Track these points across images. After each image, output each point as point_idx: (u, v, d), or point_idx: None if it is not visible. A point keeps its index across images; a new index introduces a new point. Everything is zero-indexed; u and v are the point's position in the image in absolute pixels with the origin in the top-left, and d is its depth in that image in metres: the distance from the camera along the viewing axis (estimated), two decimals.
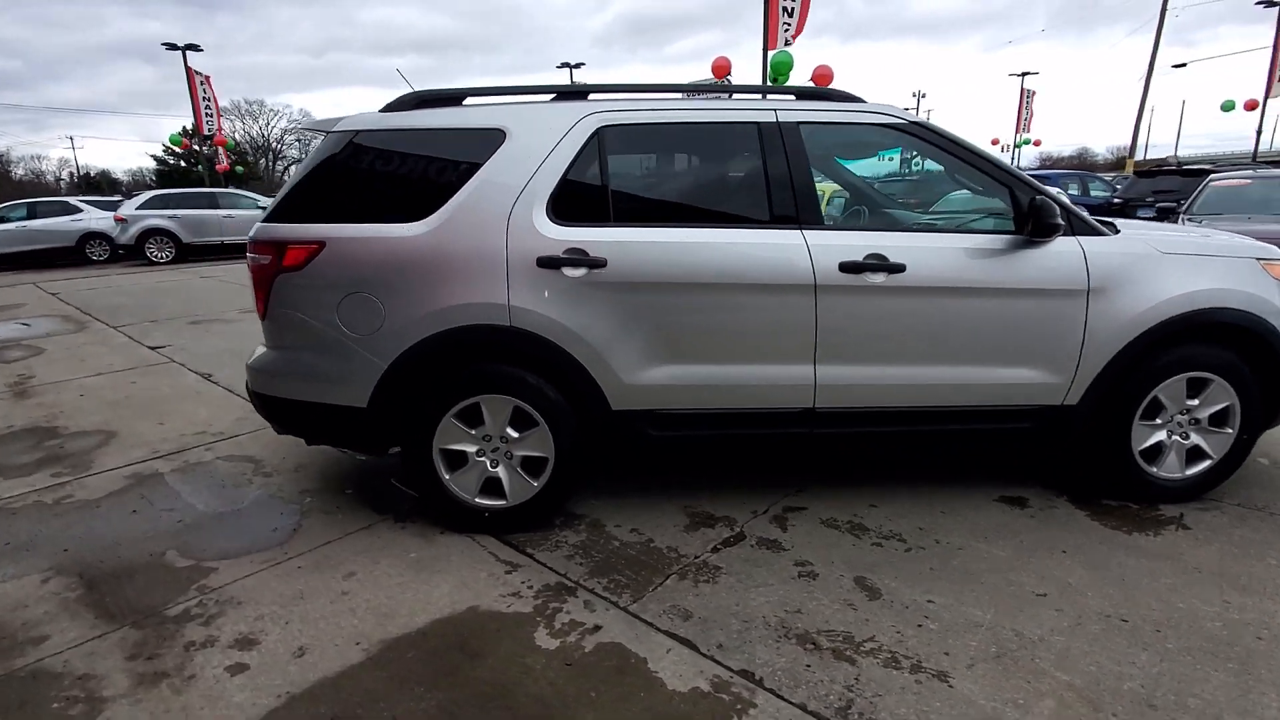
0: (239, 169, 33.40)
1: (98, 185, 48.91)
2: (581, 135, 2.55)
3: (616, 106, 2.61)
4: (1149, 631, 2.05)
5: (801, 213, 2.56)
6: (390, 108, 2.64)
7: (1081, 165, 53.16)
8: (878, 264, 2.51)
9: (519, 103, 2.69)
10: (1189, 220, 7.01)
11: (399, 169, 2.56)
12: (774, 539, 2.61)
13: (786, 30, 11.55)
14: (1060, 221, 2.48)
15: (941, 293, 2.55)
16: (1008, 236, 2.60)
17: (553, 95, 2.72)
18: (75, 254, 14.73)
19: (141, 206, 14.36)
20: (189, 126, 31.72)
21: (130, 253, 14.21)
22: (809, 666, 1.92)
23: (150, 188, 30.81)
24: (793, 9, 11.47)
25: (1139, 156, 24.68)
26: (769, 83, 12.04)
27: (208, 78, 23.01)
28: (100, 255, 14.92)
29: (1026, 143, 37.06)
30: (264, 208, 15.27)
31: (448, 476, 2.63)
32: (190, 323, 7.32)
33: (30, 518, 2.92)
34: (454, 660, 1.98)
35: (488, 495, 2.66)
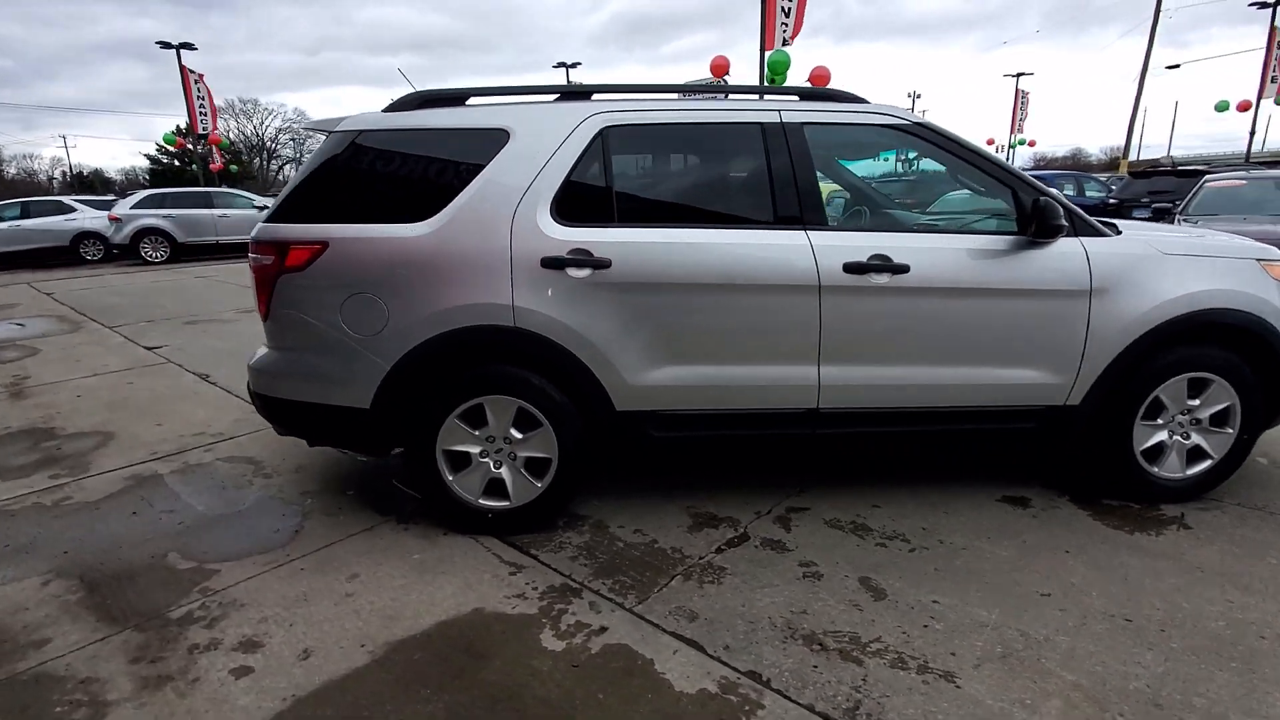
0: (233, 168, 33.23)
1: (91, 184, 48.65)
2: (586, 135, 2.54)
3: (620, 107, 2.61)
4: (1153, 631, 2.05)
5: (805, 213, 2.56)
6: (393, 107, 2.63)
7: (1075, 166, 53.44)
8: (881, 265, 2.51)
9: (522, 103, 2.69)
10: (1185, 221, 7.05)
11: (402, 169, 2.55)
12: (778, 539, 2.62)
13: (784, 30, 11.56)
14: (1064, 222, 2.49)
15: (945, 293, 2.56)
16: (1011, 237, 2.60)
17: (556, 95, 2.72)
18: (69, 254, 14.66)
19: (136, 206, 14.28)
20: (182, 125, 31.58)
21: (125, 252, 14.12)
22: (816, 667, 1.92)
23: (144, 187, 30.66)
24: (790, 9, 11.49)
25: (1132, 157, 24.79)
26: (767, 82, 12.07)
27: (201, 76, 22.90)
28: (94, 255, 14.85)
29: (1021, 143, 37.23)
30: (260, 207, 15.33)
31: (451, 477, 2.62)
32: (186, 323, 7.28)
33: (29, 520, 2.90)
34: (460, 662, 1.97)
35: (491, 496, 2.66)
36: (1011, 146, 36.70)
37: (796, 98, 2.77)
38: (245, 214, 15.16)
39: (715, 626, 2.11)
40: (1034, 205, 2.51)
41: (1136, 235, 2.75)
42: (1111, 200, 11.09)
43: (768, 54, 12.07)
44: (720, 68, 12.68)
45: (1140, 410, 2.73)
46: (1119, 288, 2.60)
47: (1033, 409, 2.69)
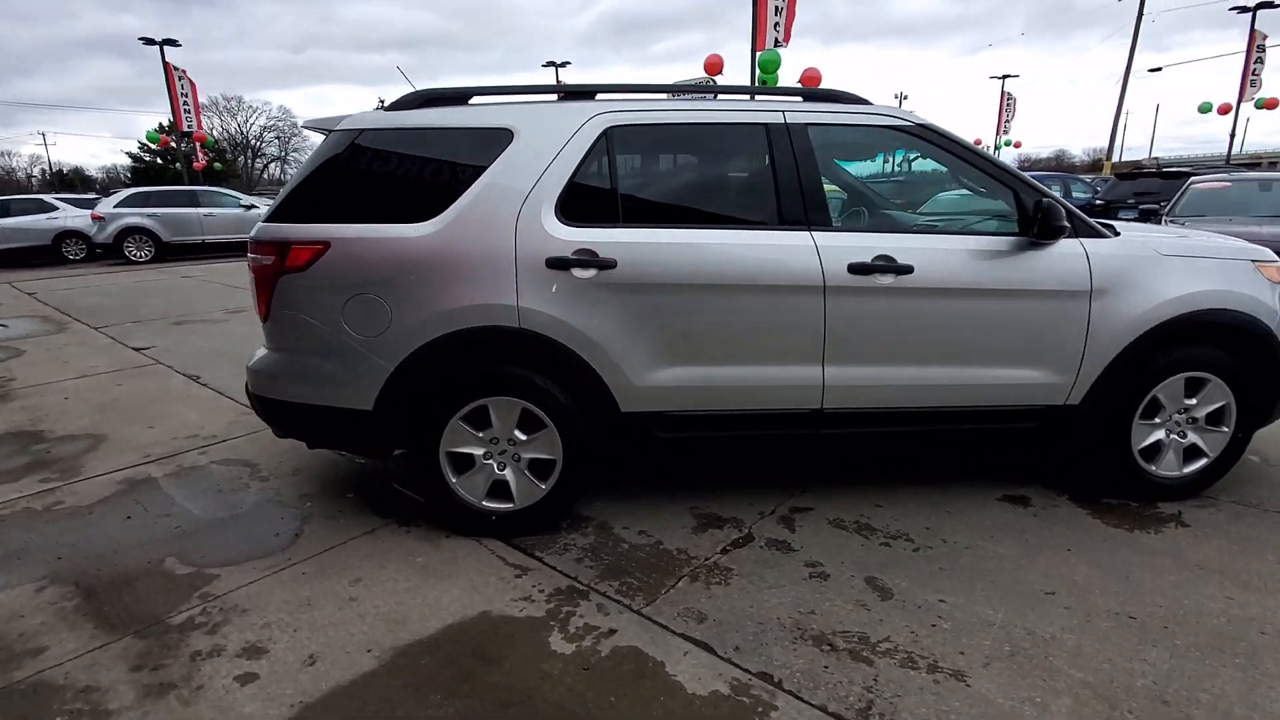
0: (217, 165, 32.82)
1: (71, 183, 47.89)
2: (590, 135, 2.53)
3: (624, 107, 2.60)
4: (1157, 628, 2.08)
5: (810, 214, 2.57)
6: (395, 106, 2.61)
7: (1059, 167, 54.03)
8: (886, 265, 2.52)
9: (525, 102, 2.67)
10: (1171, 221, 7.14)
11: (405, 169, 2.53)
12: (783, 540, 2.62)
13: (776, 30, 11.60)
14: (1066, 224, 2.51)
15: (948, 294, 2.57)
16: (1013, 238, 2.62)
17: (560, 95, 2.70)
18: (51, 253, 14.41)
19: (120, 204, 14.06)
20: (164, 123, 31.16)
21: (108, 252, 13.90)
22: (827, 668, 1.93)
23: (125, 185, 30.22)
24: (781, 7, 11.52)
25: (1115, 159, 25.11)
26: (758, 82, 12.10)
27: (185, 72, 22.60)
28: (77, 254, 14.61)
29: (1008, 144, 37.59)
30: (247, 206, 15.12)
31: (454, 479, 2.60)
32: (174, 323, 7.18)
33: (20, 525, 2.85)
34: (469, 666, 1.95)
35: (494, 498, 2.64)
36: (997, 148, 37.05)
37: (792, 98, 2.77)
38: (231, 213, 14.99)
39: (724, 628, 2.11)
40: (1036, 206, 2.53)
41: (1135, 236, 2.78)
42: (1098, 201, 11.22)
43: (758, 54, 12.11)
44: (714, 66, 12.70)
45: (1139, 409, 2.76)
46: (1119, 288, 2.63)
47: (1034, 409, 2.71)
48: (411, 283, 2.44)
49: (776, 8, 11.59)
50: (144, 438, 3.81)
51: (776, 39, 11.63)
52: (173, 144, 27.74)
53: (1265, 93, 21.56)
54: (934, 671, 1.90)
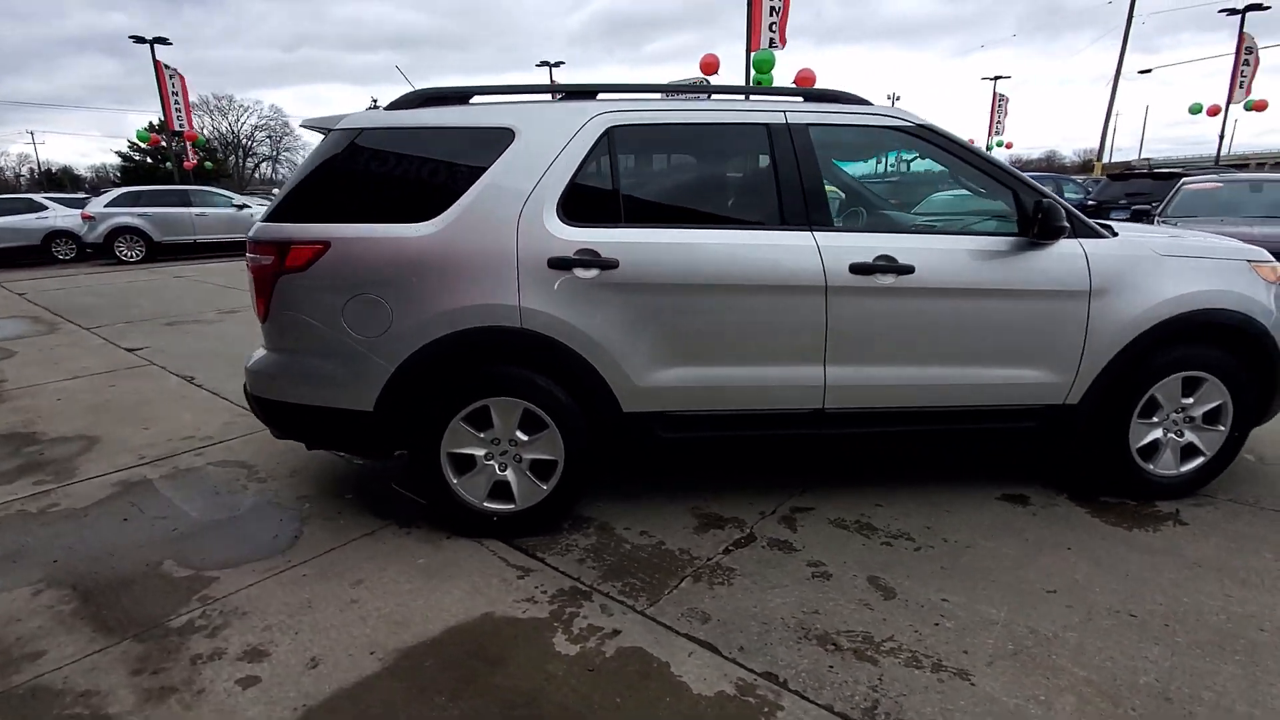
0: (208, 165, 32.59)
1: (60, 182, 47.44)
2: (591, 135, 2.53)
3: (625, 106, 2.59)
4: (1158, 626, 2.09)
5: (811, 214, 2.57)
6: (395, 105, 2.60)
7: (1050, 168, 54.43)
8: (887, 265, 2.53)
9: (526, 102, 2.66)
10: (1164, 222, 7.20)
11: (405, 168, 2.51)
12: (784, 540, 2.62)
13: (772, 31, 11.62)
14: (1066, 224, 2.53)
15: (949, 294, 2.58)
16: (1013, 238, 2.64)
17: (560, 95, 2.70)
18: (40, 253, 14.28)
19: (110, 204, 13.94)
20: (155, 122, 30.91)
21: (98, 252, 13.79)
22: (832, 668, 1.93)
23: (115, 185, 29.97)
24: (777, 8, 11.54)
25: (1105, 160, 25.29)
26: (753, 82, 12.11)
27: (176, 70, 22.44)
28: (66, 254, 14.48)
29: (1000, 145, 37.78)
30: (239, 206, 15.01)
31: (455, 480, 2.59)
32: (166, 324, 7.12)
33: (14, 528, 2.81)
34: (474, 668, 1.94)
35: (495, 499, 2.63)
36: (989, 149, 37.25)
37: (793, 98, 2.77)
38: (224, 213, 14.90)
39: (729, 628, 2.10)
40: (1036, 207, 2.54)
41: (1133, 237, 2.80)
42: (1090, 202, 11.29)
43: (754, 54, 12.13)
44: (710, 66, 12.72)
45: (1137, 409, 2.78)
46: (1117, 288, 2.64)
47: (1034, 408, 2.73)
48: (412, 283, 2.43)
49: (772, 8, 11.61)
50: (138, 439, 3.78)
51: (772, 39, 11.65)
52: (163, 143, 27.53)
53: (1254, 95, 21.76)
54: (938, 670, 1.91)
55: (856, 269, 2.52)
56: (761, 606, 2.21)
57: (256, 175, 54.94)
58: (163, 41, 22.85)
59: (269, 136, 55.93)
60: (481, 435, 2.57)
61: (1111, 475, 2.89)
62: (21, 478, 3.31)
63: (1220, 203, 7.36)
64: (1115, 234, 2.79)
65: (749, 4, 12.06)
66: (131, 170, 38.46)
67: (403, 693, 1.86)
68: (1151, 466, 2.86)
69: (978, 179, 2.75)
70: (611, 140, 2.54)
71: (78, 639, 2.10)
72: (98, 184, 43.47)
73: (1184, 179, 7.87)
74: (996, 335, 2.64)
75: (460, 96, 2.64)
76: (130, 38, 22.74)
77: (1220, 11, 22.18)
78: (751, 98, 2.77)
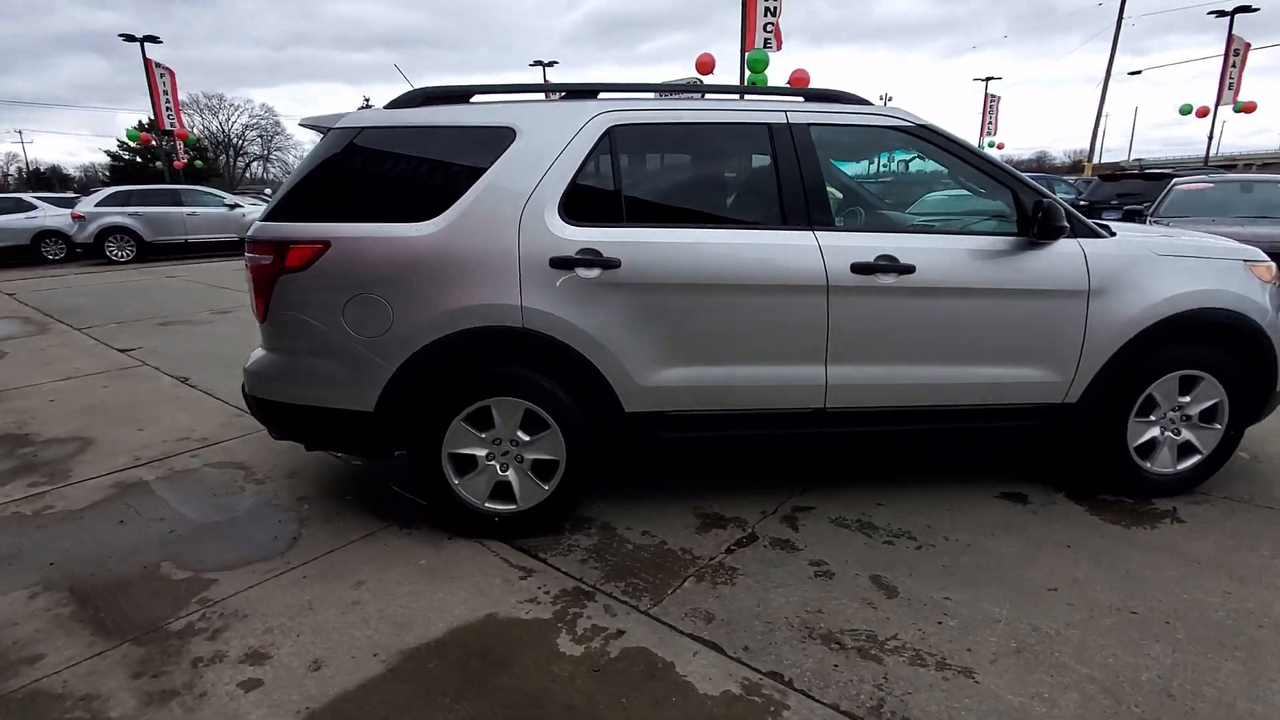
0: (198, 164, 32.33)
1: (48, 181, 46.98)
2: (593, 134, 2.52)
3: (627, 106, 2.59)
4: (1159, 623, 2.10)
5: (813, 214, 2.57)
6: (395, 104, 2.58)
7: (1040, 168, 54.70)
8: (888, 265, 2.54)
9: (527, 101, 2.66)
10: (1156, 222, 7.25)
11: (406, 167, 2.50)
12: (786, 539, 2.62)
13: (767, 32, 11.64)
14: (1066, 224, 2.54)
15: (950, 293, 2.59)
16: (1012, 238, 2.65)
17: (562, 94, 2.69)
18: (30, 253, 14.13)
19: (101, 203, 13.82)
20: (145, 121, 30.67)
21: (89, 252, 13.66)
22: (836, 666, 1.93)
23: (104, 184, 29.71)
24: (775, 7, 11.56)
25: (1095, 160, 25.46)
26: (747, 81, 12.12)
27: (168, 69, 22.25)
28: (56, 254, 14.35)
29: (991, 145, 37.99)
30: (231, 205, 14.89)
31: (457, 481, 2.58)
32: (159, 324, 7.07)
33: (9, 530, 2.78)
34: (478, 670, 1.93)
35: (497, 500, 2.62)
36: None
37: (793, 98, 2.78)
38: (215, 212, 14.79)
39: (733, 627, 2.10)
40: (1036, 207, 2.55)
41: (1131, 237, 2.82)
42: (1082, 202, 11.34)
43: (748, 53, 12.15)
44: (706, 65, 12.73)
45: (1134, 407, 2.80)
46: (1116, 287, 2.66)
47: (1033, 407, 2.74)
48: (414, 283, 2.41)
49: (767, 9, 11.63)
50: (133, 440, 3.74)
51: (767, 39, 11.67)
52: (154, 142, 27.30)
53: (1243, 96, 21.96)
54: (943, 669, 1.91)
55: (858, 268, 2.53)
56: (765, 606, 2.21)
57: (247, 175, 54.58)
58: (153, 40, 22.62)
59: (260, 136, 55.58)
60: (483, 435, 2.56)
61: (1109, 473, 2.91)
62: (15, 479, 3.27)
63: (1211, 203, 7.43)
64: (1113, 234, 2.80)
65: (744, 4, 12.08)
66: (121, 170, 38.14)
67: (407, 694, 1.85)
68: (1149, 465, 2.88)
69: (977, 179, 2.77)
70: (613, 140, 2.54)
71: (76, 642, 2.08)
72: (87, 183, 43.12)
73: (1175, 180, 7.93)
74: (996, 334, 2.65)
75: (461, 95, 2.62)
76: (120, 36, 22.52)
77: (1209, 13, 22.38)
78: (752, 98, 2.77)
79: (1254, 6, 21.11)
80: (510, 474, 2.60)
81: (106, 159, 41.72)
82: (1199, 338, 2.78)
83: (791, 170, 2.58)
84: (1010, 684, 1.85)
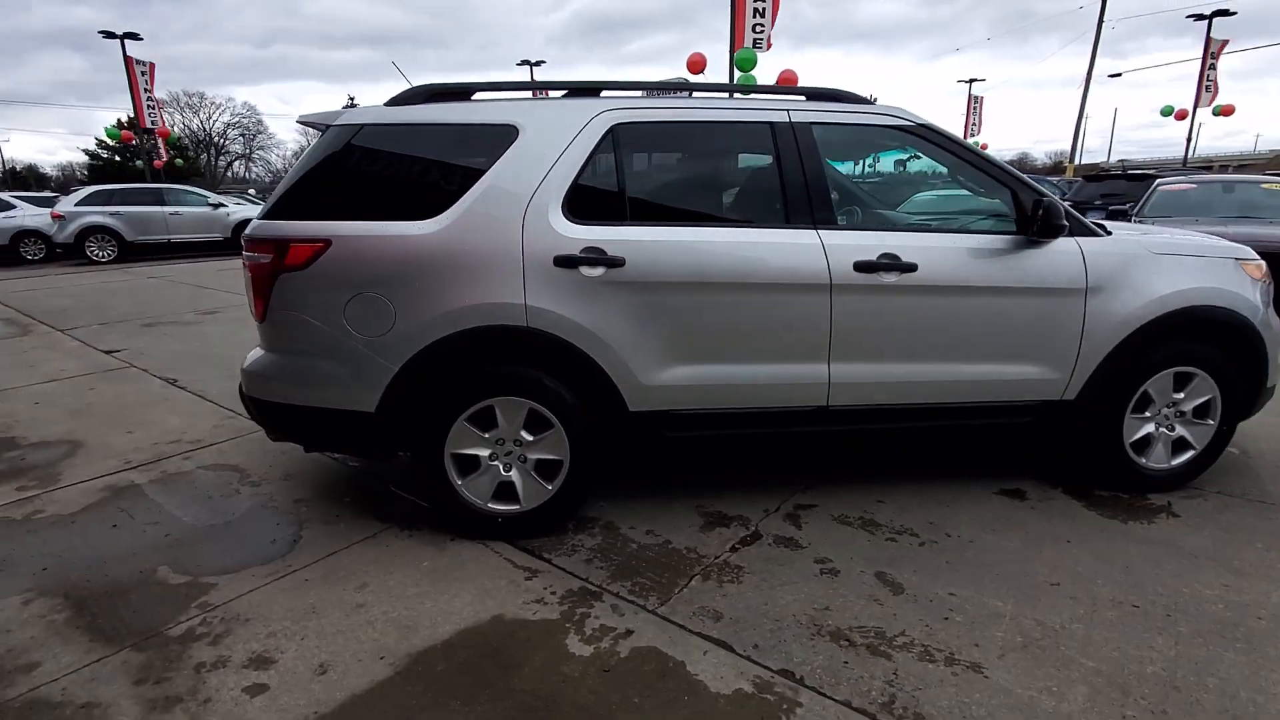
0: (179, 163, 31.86)
1: (25, 181, 46.09)
2: (596, 132, 2.51)
3: (629, 104, 2.58)
4: (1160, 616, 2.13)
5: (816, 212, 2.58)
6: (397, 101, 2.56)
7: (1021, 169, 55.34)
8: (891, 263, 2.55)
9: (529, 99, 2.64)
10: (1140, 221, 7.36)
11: (408, 165, 2.48)
12: (790, 537, 2.63)
13: (759, 33, 11.68)
14: (1065, 223, 2.57)
15: (951, 291, 2.61)
16: (1012, 237, 2.67)
17: (564, 92, 2.68)
18: (8, 253, 13.85)
19: (81, 203, 13.58)
20: (124, 119, 30.17)
21: (69, 252, 13.43)
22: (847, 663, 1.94)
23: (83, 183, 29.20)
24: (764, 9, 11.60)
25: (1076, 161, 25.79)
26: (734, 78, 12.16)
27: (149, 63, 21.90)
28: (35, 254, 14.07)
29: (977, 145, 38.34)
30: (215, 204, 14.67)
31: (459, 482, 2.56)
32: (144, 325, 6.95)
33: None
34: (488, 671, 1.92)
35: (500, 500, 2.60)
36: None
37: (795, 96, 2.77)
38: (198, 212, 14.60)
39: (741, 626, 2.10)
40: (1036, 206, 2.58)
41: (1127, 236, 2.86)
42: (1066, 202, 11.51)
43: (736, 52, 12.18)
44: (697, 65, 12.75)
45: (1130, 404, 2.83)
46: (1113, 286, 2.69)
47: (1033, 404, 2.77)
48: (416, 281, 2.39)
49: (756, 10, 11.67)
50: (123, 443, 3.68)
51: (756, 40, 11.71)
52: (135, 140, 26.86)
53: (1221, 99, 22.34)
54: (951, 664, 1.93)
55: (860, 267, 2.54)
56: (772, 604, 2.21)
57: (229, 174, 53.87)
58: (133, 37, 22.28)
59: (242, 134, 54.85)
60: (486, 435, 2.54)
61: (1105, 469, 2.94)
62: (3, 483, 3.20)
63: (1194, 203, 7.55)
64: (1109, 233, 2.84)
65: (732, 4, 12.11)
66: (100, 169, 37.44)
67: (417, 698, 1.83)
68: (1144, 460, 2.92)
69: (977, 178, 2.79)
70: (616, 138, 2.53)
71: (74, 649, 2.04)
72: (64, 182, 42.37)
73: (1159, 180, 8.05)
74: (996, 332, 2.67)
75: (462, 92, 2.60)
76: (100, 33, 22.15)
77: (1188, 17, 22.74)
78: (753, 96, 2.77)
79: (1231, 10, 21.49)
80: (514, 474, 2.59)
81: (84, 158, 40.95)
82: (1193, 335, 2.82)
83: (794, 169, 2.58)
84: (1019, 678, 1.87)
